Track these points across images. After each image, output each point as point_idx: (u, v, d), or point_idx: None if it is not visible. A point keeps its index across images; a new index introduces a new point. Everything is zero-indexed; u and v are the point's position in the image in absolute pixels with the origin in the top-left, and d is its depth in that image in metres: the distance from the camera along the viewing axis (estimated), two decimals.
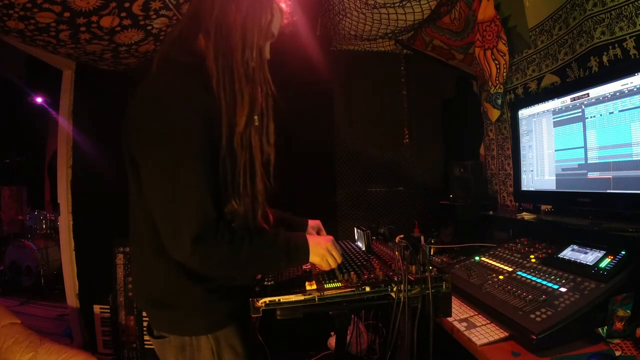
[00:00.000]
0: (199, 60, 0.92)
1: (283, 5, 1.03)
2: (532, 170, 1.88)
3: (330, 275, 1.07)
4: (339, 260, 1.04)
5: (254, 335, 1.35)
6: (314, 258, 1.00)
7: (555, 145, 1.70)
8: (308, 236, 1.02)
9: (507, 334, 1.09)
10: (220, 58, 0.90)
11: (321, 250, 1.01)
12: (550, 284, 1.20)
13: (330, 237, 1.07)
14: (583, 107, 1.52)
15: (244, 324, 1.03)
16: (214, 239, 0.85)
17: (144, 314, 2.43)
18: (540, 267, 1.34)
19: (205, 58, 0.91)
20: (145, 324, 2.44)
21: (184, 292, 0.96)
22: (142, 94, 0.91)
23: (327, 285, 0.98)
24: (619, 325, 1.04)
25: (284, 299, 0.94)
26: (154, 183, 0.87)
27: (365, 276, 1.03)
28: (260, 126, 0.97)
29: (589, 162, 1.50)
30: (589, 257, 1.25)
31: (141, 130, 0.88)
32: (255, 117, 0.94)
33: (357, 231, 1.52)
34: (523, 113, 1.93)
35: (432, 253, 1.96)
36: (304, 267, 1.17)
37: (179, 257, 0.86)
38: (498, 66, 2.07)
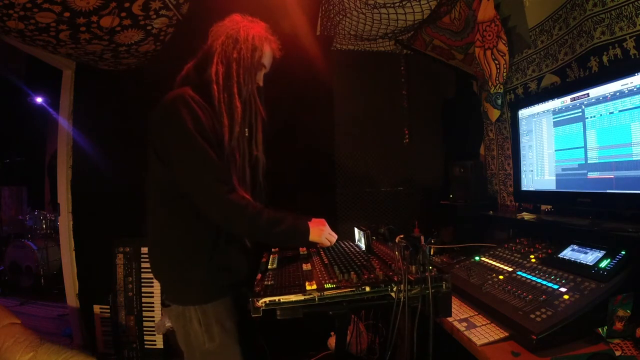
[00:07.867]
0: (206, 84, 1.21)
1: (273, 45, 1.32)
2: (532, 170, 1.88)
3: (330, 275, 1.07)
4: (335, 237, 1.32)
5: (255, 334, 1.37)
6: (313, 237, 1.24)
7: (555, 145, 1.70)
8: (309, 222, 1.26)
9: (507, 334, 1.09)
10: (222, 82, 1.20)
11: (319, 230, 1.26)
12: (550, 284, 1.20)
13: (325, 223, 1.32)
14: (583, 107, 1.52)
15: (235, 302, 1.20)
16: (238, 193, 1.12)
17: (144, 314, 2.45)
18: (540, 267, 1.34)
19: (211, 82, 1.19)
20: (145, 323, 2.45)
21: (183, 266, 1.15)
22: (164, 110, 1.16)
23: (327, 285, 0.98)
24: (619, 325, 1.03)
25: (284, 299, 0.94)
26: (187, 164, 1.11)
27: (365, 276, 1.03)
28: (250, 137, 1.26)
29: (589, 162, 1.50)
30: (589, 257, 1.25)
31: (168, 136, 1.14)
32: (246, 129, 1.24)
33: (357, 231, 1.52)
34: (523, 113, 1.93)
35: (432, 253, 1.96)
36: (304, 267, 1.17)
37: (217, 204, 1.09)
38: (498, 66, 2.07)
